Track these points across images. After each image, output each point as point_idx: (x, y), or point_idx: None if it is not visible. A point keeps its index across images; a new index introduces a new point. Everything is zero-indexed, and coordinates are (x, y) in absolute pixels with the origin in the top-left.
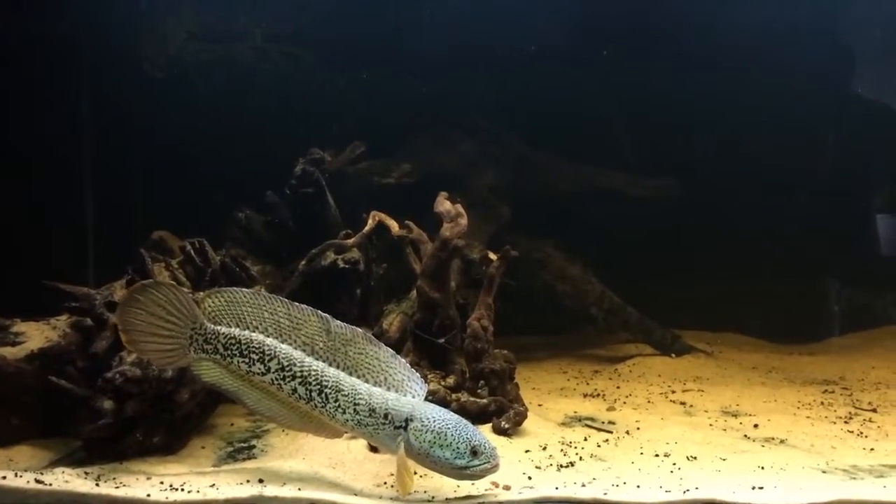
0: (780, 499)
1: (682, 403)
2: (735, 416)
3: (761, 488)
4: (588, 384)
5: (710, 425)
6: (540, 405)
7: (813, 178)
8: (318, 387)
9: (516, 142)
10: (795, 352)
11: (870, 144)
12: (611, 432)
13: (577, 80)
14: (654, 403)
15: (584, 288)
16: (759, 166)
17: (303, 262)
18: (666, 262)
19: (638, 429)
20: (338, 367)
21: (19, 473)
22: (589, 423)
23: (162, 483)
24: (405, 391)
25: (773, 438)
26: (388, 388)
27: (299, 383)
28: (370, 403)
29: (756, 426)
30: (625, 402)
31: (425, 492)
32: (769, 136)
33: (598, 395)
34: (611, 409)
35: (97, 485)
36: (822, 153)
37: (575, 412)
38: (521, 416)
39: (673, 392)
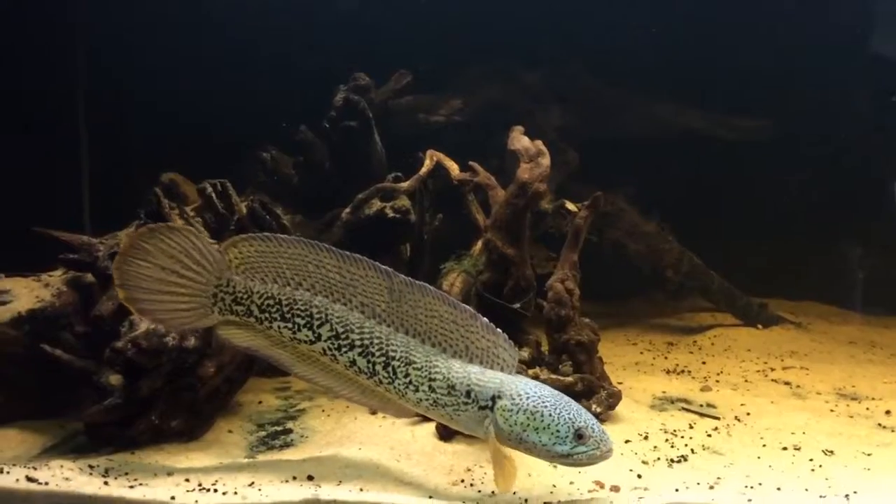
0: None
1: (787, 383)
2: (856, 399)
3: None
4: (666, 358)
5: (832, 411)
6: (620, 383)
7: None
8: (384, 358)
9: (585, 74)
10: (891, 324)
11: None
12: (718, 418)
13: (653, 4)
14: (752, 383)
15: (660, 247)
16: (854, 121)
17: (346, 210)
18: (746, 220)
19: (748, 414)
20: (406, 334)
21: (7, 469)
22: (685, 405)
23: (188, 481)
24: (491, 362)
25: None
26: (471, 359)
27: (359, 354)
28: (449, 379)
29: (888, 413)
30: (718, 381)
31: (515, 493)
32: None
33: (683, 371)
34: (705, 388)
35: (106, 483)
36: None
37: (663, 392)
38: (616, 398)
39: (772, 370)
